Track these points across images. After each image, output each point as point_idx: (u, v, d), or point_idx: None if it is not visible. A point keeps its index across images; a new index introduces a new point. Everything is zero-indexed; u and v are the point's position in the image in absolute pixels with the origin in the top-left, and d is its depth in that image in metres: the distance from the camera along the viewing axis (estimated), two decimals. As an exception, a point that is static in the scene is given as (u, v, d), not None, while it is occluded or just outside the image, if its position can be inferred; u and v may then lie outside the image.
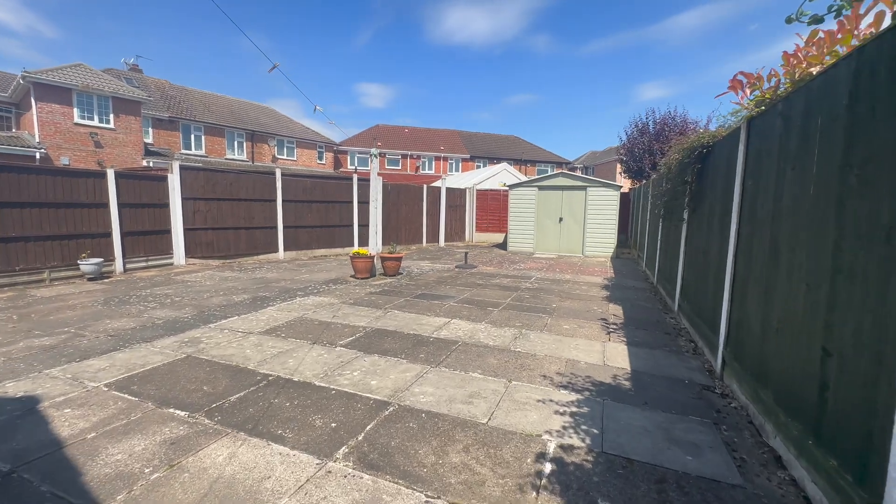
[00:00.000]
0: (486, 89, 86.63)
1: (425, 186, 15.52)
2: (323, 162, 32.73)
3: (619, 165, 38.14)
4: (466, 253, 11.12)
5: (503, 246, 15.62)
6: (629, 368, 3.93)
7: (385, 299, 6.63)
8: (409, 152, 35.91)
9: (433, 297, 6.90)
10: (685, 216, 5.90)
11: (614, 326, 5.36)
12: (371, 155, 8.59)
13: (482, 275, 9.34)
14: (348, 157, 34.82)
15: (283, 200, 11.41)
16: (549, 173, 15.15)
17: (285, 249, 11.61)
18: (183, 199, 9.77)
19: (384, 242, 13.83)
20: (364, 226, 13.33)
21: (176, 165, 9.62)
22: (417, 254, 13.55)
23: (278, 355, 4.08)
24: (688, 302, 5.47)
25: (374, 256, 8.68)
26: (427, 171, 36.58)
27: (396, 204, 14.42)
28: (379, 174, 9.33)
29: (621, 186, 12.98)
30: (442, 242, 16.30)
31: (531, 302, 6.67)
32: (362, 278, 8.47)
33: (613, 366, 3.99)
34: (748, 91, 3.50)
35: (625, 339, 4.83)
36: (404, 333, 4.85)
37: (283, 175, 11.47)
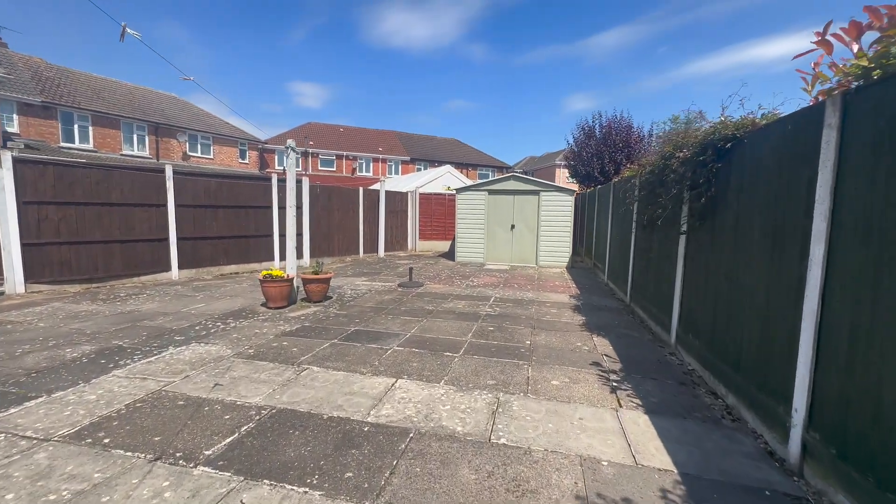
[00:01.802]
0: (425, 93, 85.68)
1: (362, 189, 13.64)
2: (245, 161, 29.29)
3: (562, 170, 38.74)
4: (411, 268, 9.49)
5: (450, 255, 14.17)
6: (675, 470, 2.55)
7: (302, 345, 4.79)
8: (345, 153, 33.49)
9: (370, 336, 5.18)
10: (684, 227, 4.77)
11: (615, 377, 4.03)
12: (287, 148, 6.66)
13: (431, 296, 7.75)
14: (276, 157, 31.62)
15: (177, 205, 8.98)
16: (499, 176, 13.98)
17: (181, 267, 9.17)
18: (21, 203, 7.12)
19: (313, 253, 11.78)
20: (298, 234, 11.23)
21: (6, 157, 6.95)
22: (353, 267, 11.64)
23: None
24: (697, 338, 4.31)
25: (292, 279, 6.74)
26: (364, 174, 34.39)
27: (328, 209, 12.40)
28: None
29: (575, 191, 12.11)
30: (381, 252, 14.49)
31: (499, 337, 5.20)
32: (276, 308, 6.50)
33: (650, 465, 2.59)
34: (854, 47, 2.28)
35: (639, 402, 3.49)
36: (323, 419, 3.11)
37: (176, 173, 9.04)
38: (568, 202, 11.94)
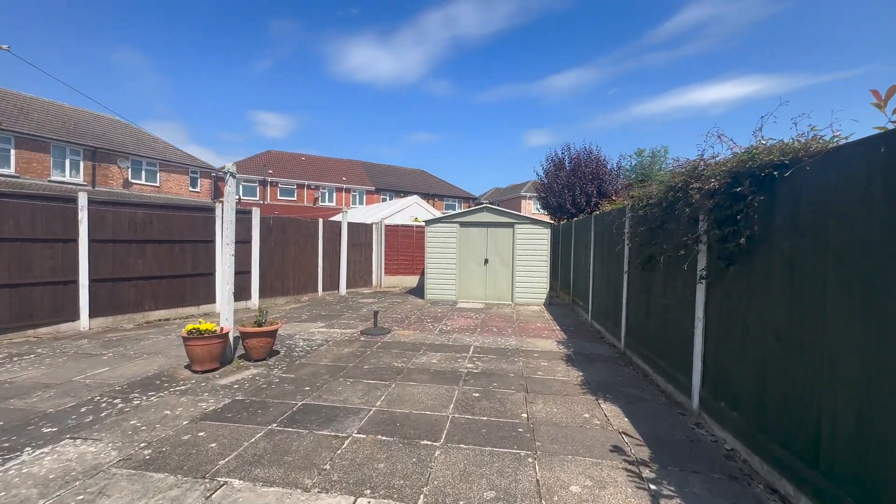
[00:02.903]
0: (390, 125, 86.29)
1: (321, 221, 12.44)
2: (197, 189, 27.31)
3: (528, 201, 39.03)
4: (376, 311, 8.31)
5: (419, 292, 13.08)
6: None
7: (226, 436, 3.53)
8: (307, 182, 32.14)
9: (322, 415, 3.98)
10: (704, 270, 4.01)
11: (649, 473, 3.06)
12: (226, 174, 5.52)
13: (400, 347, 6.62)
14: (231, 185, 29.69)
15: (91, 240, 7.47)
16: (467, 208, 13.24)
17: (94, 315, 7.55)
18: None
19: (264, 293, 10.37)
20: (241, 273, 9.84)
21: None
22: (310, 308, 10.29)
23: None
24: (735, 408, 3.45)
25: (227, 333, 5.43)
26: (327, 203, 33.06)
27: (283, 243, 11.10)
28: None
29: (551, 223, 11.52)
30: (343, 290, 13.18)
31: (488, 409, 4.15)
32: (204, 371, 5.14)
33: None
34: None
35: (696, 522, 2.52)
36: None
37: (93, 202, 7.58)
38: (544, 235, 11.29)
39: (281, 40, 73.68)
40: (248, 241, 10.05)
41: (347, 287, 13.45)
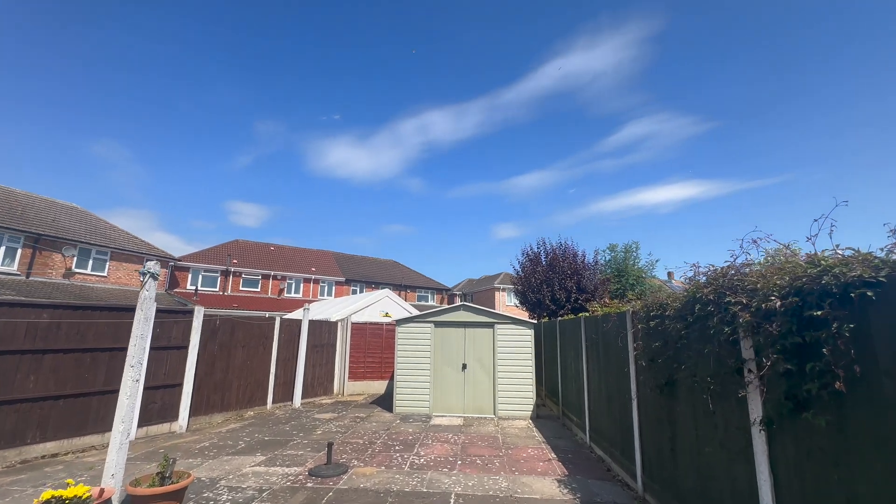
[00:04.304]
0: (365, 217, 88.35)
1: (278, 320, 11.04)
2: (161, 277, 25.28)
3: (502, 293, 38.52)
4: (330, 443, 6.65)
5: (388, 403, 11.36)
6: None
7: None
8: (273, 272, 30.73)
9: None
10: (761, 417, 3.04)
11: None
12: (144, 274, 4.41)
13: (359, 498, 5.03)
14: (189, 276, 27.95)
15: (-33, 352, 5.86)
16: (442, 305, 12.26)
17: (-55, 455, 5.62)
18: None
19: (198, 410, 8.58)
20: (168, 387, 8.19)
21: None
22: (252, 430, 8.42)
23: None
24: None
25: (107, 500, 3.82)
26: (293, 295, 31.36)
27: (228, 346, 9.53)
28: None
29: (534, 323, 10.59)
30: (298, 401, 11.30)
31: None
32: (58, 568, 3.44)
33: None
34: None
35: None
36: None
37: (-17, 304, 6.13)
38: (527, 337, 10.28)
39: (265, 139, 77.28)
40: (184, 347, 8.48)
41: (304, 396, 11.58)
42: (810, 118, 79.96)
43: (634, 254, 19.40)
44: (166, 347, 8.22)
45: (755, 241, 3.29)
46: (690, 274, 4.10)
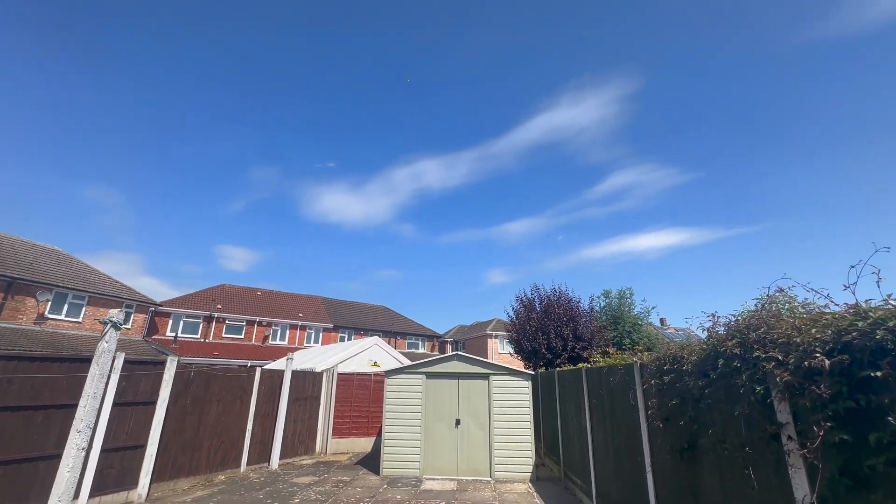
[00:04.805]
0: (357, 263, 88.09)
1: (259, 372, 10.32)
2: (127, 326, 24.19)
3: (494, 340, 37.53)
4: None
5: (374, 464, 10.43)
6: None
7: None
8: (258, 318, 29.73)
9: None
10: (806, 488, 2.61)
11: None
12: (106, 323, 3.95)
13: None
14: (170, 322, 26.85)
15: None
16: (436, 354, 11.64)
17: None
18: None
19: (162, 474, 7.74)
20: (129, 448, 7.39)
21: None
22: (220, 499, 7.50)
23: None
24: None
25: None
26: (278, 342, 30.20)
27: (201, 401, 8.77)
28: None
29: (531, 374, 10.03)
30: (275, 462, 10.31)
31: None
32: None
33: None
34: None
35: None
36: None
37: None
38: (525, 389, 9.68)
39: (259, 185, 78.22)
40: (152, 403, 7.74)
41: (282, 456, 10.60)
42: (787, 168, 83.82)
43: (629, 300, 19.16)
44: (131, 403, 7.48)
45: (781, 290, 3.01)
46: (708, 324, 3.79)
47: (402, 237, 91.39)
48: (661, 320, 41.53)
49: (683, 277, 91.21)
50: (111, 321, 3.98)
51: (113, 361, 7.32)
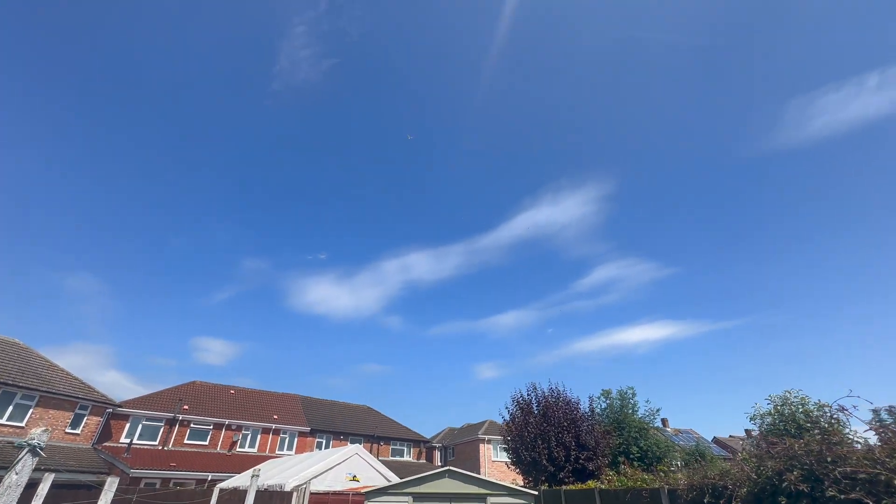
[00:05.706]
0: (341, 356, 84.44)
1: (216, 492, 8.82)
2: (76, 431, 21.61)
3: (486, 445, 34.20)
4: None
5: None
6: None
7: None
8: (227, 421, 27.03)
9: None
10: None
11: None
12: (23, 445, 3.20)
13: None
14: (127, 425, 24.15)
15: None
16: (427, 472, 10.25)
17: None
18: None
19: None
20: None
21: None
22: None
23: None
24: None
25: None
26: (247, 450, 27.14)
27: (140, 535, 7.24)
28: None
29: (534, 494, 8.73)
30: None
31: None
32: None
33: None
34: None
35: None
36: None
37: None
38: (528, 514, 8.33)
39: (248, 276, 77.88)
40: (77, 540, 6.33)
41: None
42: (759, 265, 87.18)
43: (631, 401, 17.89)
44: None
45: (842, 409, 2.56)
46: (749, 446, 3.22)
47: (390, 329, 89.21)
48: (663, 420, 39.04)
49: (676, 370, 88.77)
50: (28, 444, 3.22)
51: (39, 486, 6.13)
